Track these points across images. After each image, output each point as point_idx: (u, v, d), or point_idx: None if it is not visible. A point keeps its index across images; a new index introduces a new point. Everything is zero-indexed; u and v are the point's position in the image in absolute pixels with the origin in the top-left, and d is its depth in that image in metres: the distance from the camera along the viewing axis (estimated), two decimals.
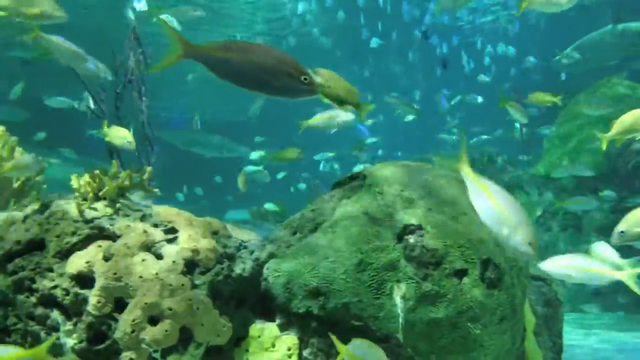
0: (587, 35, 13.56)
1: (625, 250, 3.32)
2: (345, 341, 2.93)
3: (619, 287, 8.44)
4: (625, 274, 2.73)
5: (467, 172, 2.14)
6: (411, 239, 2.94)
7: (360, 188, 3.24)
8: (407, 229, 2.97)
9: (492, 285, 2.93)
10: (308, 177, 16.02)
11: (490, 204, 1.99)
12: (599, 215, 9.28)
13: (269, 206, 10.03)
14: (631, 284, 2.70)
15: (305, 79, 2.04)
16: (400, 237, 2.95)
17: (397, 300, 2.85)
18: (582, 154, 9.81)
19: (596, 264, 2.78)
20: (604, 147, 3.32)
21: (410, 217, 3.00)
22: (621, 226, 2.85)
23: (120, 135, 3.35)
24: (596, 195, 9.14)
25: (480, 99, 11.86)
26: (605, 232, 9.01)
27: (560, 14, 3.99)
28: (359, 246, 2.91)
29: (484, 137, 13.82)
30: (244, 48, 2.05)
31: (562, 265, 2.79)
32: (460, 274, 2.90)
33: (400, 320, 2.84)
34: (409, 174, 3.29)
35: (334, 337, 2.59)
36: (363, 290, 2.85)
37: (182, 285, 2.63)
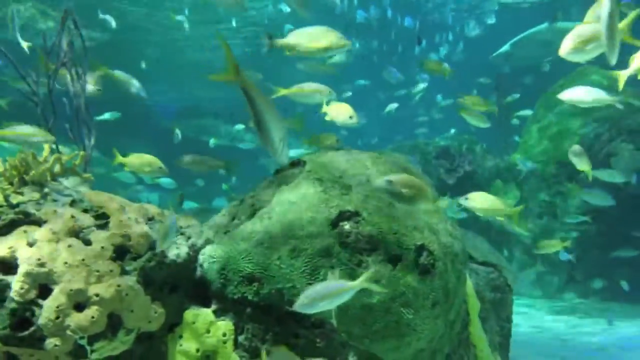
0: (525, 32, 14.21)
1: None
2: (281, 326, 2.95)
3: (593, 274, 8.66)
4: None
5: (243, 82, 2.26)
6: (346, 225, 2.96)
7: (299, 175, 3.24)
8: (343, 216, 2.99)
9: (426, 272, 2.97)
10: None
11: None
12: (574, 203, 9.50)
13: None
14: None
15: None
16: (335, 224, 2.96)
17: None
18: (559, 142, 10.04)
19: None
20: (621, 86, 3.34)
21: (346, 204, 3.02)
22: None
23: None
24: (573, 183, 9.39)
25: (422, 85, 11.87)
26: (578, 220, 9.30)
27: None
28: (294, 232, 2.91)
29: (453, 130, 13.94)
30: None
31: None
32: (394, 260, 2.94)
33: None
34: (348, 161, 3.30)
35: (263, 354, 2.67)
36: (297, 276, 2.86)
37: (111, 271, 2.60)
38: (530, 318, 8.01)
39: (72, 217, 2.64)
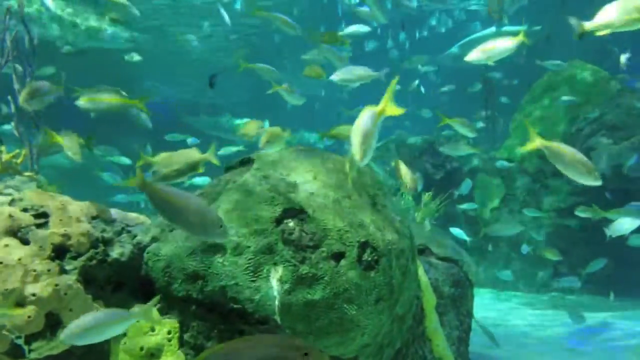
0: (473, 35, 14.83)
1: None
2: (226, 323, 2.97)
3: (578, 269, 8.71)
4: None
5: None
6: (290, 222, 2.98)
7: (247, 172, 3.25)
8: (288, 213, 3.01)
9: (369, 268, 3.00)
10: None
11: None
12: (556, 198, 9.61)
13: None
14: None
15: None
16: (279, 221, 2.98)
17: (274, 283, 2.89)
18: (541, 136, 10.17)
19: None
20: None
21: (291, 202, 3.04)
22: None
23: None
24: (557, 177, 9.52)
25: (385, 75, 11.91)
26: (560, 214, 9.40)
27: None
28: (237, 230, 2.93)
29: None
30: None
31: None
32: (338, 256, 2.96)
33: (277, 302, 2.89)
34: (297, 158, 3.32)
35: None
36: (239, 274, 2.88)
37: (48, 270, 2.60)
38: (496, 310, 8.12)
39: (10, 216, 2.63)
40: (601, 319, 7.46)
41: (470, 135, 6.45)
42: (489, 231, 7.60)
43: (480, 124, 10.24)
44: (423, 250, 4.81)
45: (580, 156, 2.91)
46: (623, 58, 10.37)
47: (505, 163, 9.71)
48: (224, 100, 18.54)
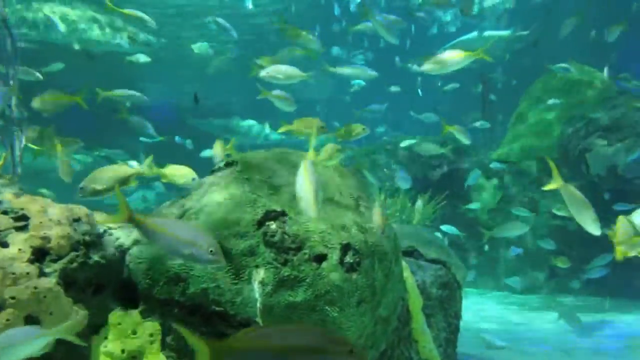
0: (456, 40, 15.01)
1: None
2: (208, 326, 2.96)
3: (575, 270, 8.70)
4: None
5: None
6: (272, 225, 2.98)
7: (230, 175, 3.25)
8: (270, 215, 3.01)
9: (351, 269, 3.00)
10: None
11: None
12: (553, 200, 9.62)
13: None
14: None
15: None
16: (261, 223, 2.98)
17: (255, 285, 2.89)
18: (539, 138, 10.22)
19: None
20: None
21: (273, 204, 3.04)
22: None
23: None
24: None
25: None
26: (557, 216, 9.33)
27: None
28: (219, 232, 2.93)
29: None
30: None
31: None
32: (320, 258, 2.96)
33: (259, 304, 2.89)
34: (280, 161, 3.32)
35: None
36: (221, 276, 2.88)
37: (27, 273, 2.59)
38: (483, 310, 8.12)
39: None
40: (598, 319, 7.47)
41: (466, 142, 6.85)
42: (494, 234, 7.57)
43: (478, 124, 10.32)
44: (411, 252, 4.81)
45: (588, 206, 3.18)
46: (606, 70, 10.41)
47: (498, 164, 9.73)
48: (229, 101, 18.57)
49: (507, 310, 8.37)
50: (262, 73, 4.23)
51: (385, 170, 10.65)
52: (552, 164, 3.30)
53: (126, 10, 5.51)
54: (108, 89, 5.20)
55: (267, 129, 17.61)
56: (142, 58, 9.67)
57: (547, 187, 3.31)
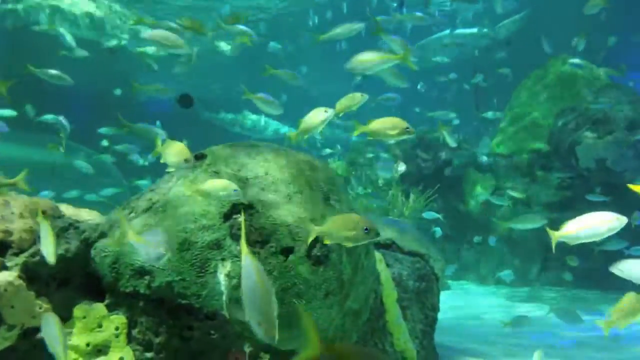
0: (430, 37, 15.49)
1: None
2: (174, 319, 2.95)
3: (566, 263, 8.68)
4: None
5: None
6: (239, 218, 2.96)
7: (199, 168, 3.23)
8: (237, 209, 2.99)
9: (318, 262, 2.99)
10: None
11: None
12: (545, 193, 9.64)
13: None
14: None
15: None
16: (228, 216, 2.97)
17: (221, 278, 2.88)
18: (530, 131, 10.24)
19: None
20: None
21: (241, 197, 3.02)
22: None
23: None
24: (546, 172, 9.56)
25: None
26: (550, 208, 9.41)
27: None
28: (184, 225, 2.91)
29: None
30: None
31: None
32: (287, 251, 2.95)
33: (224, 298, 2.88)
34: (249, 154, 3.30)
35: None
36: (186, 269, 2.86)
37: None
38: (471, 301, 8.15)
39: None
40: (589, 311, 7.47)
41: (453, 145, 7.25)
42: (511, 224, 7.53)
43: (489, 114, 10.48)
44: (390, 245, 4.80)
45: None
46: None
47: (485, 158, 9.74)
48: (238, 95, 18.55)
49: (495, 302, 8.39)
50: (145, 34, 4.18)
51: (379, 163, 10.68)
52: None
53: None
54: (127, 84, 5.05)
55: (276, 124, 17.42)
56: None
57: (555, 236, 3.15)
